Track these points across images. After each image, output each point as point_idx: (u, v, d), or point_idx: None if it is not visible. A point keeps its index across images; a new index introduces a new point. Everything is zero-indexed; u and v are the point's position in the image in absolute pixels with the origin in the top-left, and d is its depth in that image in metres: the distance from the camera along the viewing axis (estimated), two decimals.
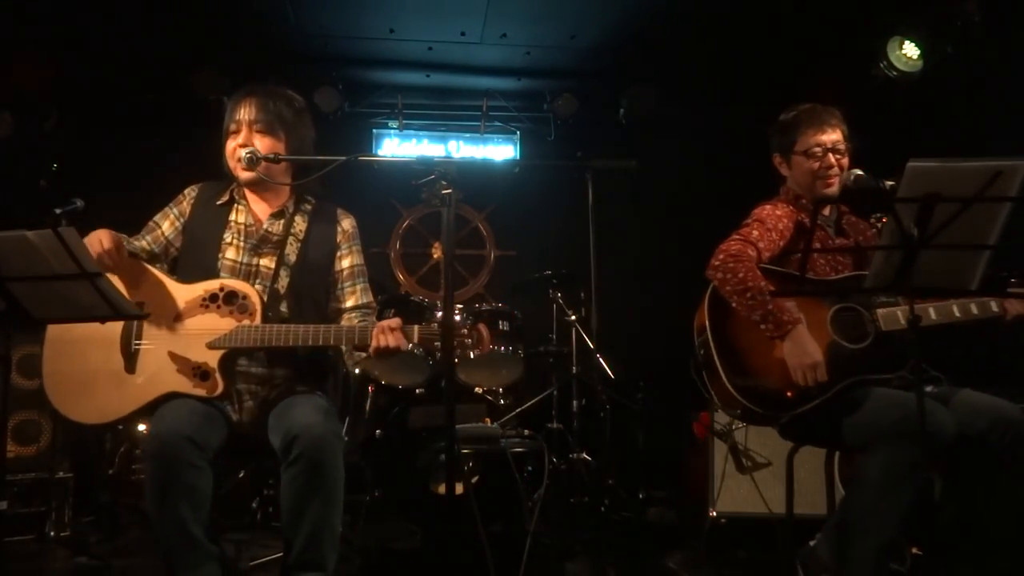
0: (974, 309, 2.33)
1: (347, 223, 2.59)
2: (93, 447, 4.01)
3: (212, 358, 2.25)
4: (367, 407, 3.93)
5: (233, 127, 2.45)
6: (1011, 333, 2.39)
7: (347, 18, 4.64)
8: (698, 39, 4.79)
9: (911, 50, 4.19)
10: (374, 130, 5.61)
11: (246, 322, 2.27)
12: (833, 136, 2.56)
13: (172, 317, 2.30)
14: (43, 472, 3.71)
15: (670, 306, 3.19)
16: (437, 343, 2.26)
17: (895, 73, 4.25)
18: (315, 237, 2.52)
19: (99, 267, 2.06)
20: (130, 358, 2.28)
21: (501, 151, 5.73)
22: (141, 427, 3.94)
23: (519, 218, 5.61)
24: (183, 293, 2.33)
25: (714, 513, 3.57)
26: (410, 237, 5.69)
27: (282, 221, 2.51)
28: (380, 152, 5.54)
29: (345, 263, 2.56)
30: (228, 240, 2.44)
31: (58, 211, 3.42)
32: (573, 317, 4.21)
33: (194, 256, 2.44)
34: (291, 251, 2.48)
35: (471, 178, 5.04)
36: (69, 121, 4.94)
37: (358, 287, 2.56)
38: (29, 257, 1.95)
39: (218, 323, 2.28)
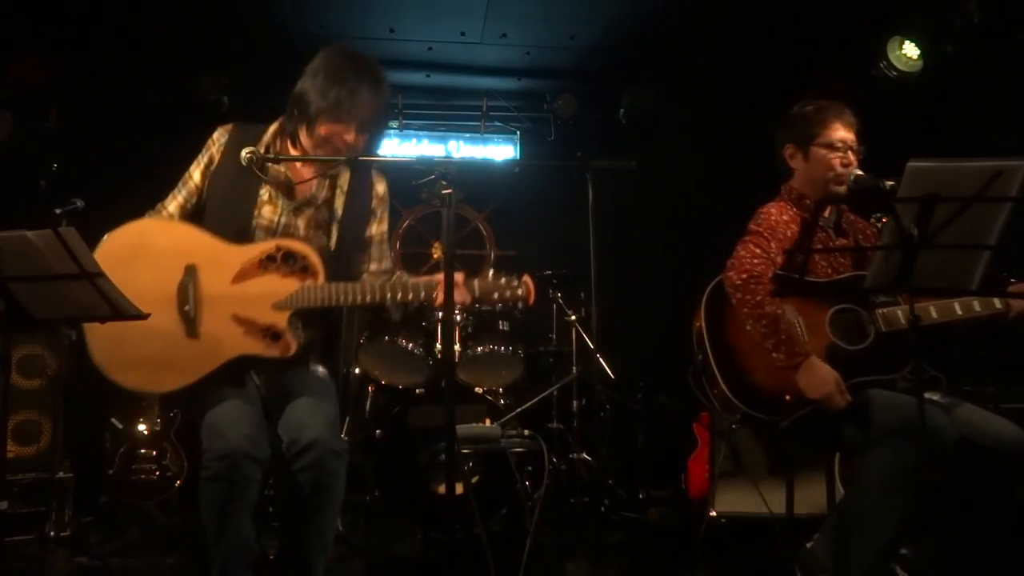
0: (977, 306, 2.32)
1: (381, 187, 2.52)
2: (93, 447, 4.01)
3: (280, 319, 2.19)
4: (367, 407, 3.93)
5: (346, 117, 2.26)
6: (1012, 332, 2.39)
7: (347, 18, 4.63)
8: (698, 39, 4.79)
9: (911, 50, 4.19)
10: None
11: (309, 282, 2.21)
12: (851, 135, 2.53)
13: (230, 280, 2.21)
14: (43, 472, 3.70)
15: (670, 306, 3.20)
16: (495, 295, 2.26)
17: (895, 73, 4.25)
18: (358, 194, 2.44)
19: None
20: (190, 323, 2.18)
21: (501, 151, 5.73)
22: (141, 427, 3.94)
23: (519, 218, 5.61)
24: (238, 255, 2.23)
25: (714, 513, 3.57)
26: (410, 237, 5.69)
27: (328, 182, 2.42)
28: (380, 152, 5.53)
29: (375, 228, 2.51)
30: (264, 197, 2.33)
31: (58, 211, 3.44)
32: (573, 317, 4.21)
33: (226, 210, 2.31)
34: (339, 205, 2.40)
35: (471, 178, 5.03)
36: (69, 121, 4.94)
37: (385, 252, 2.53)
38: (29, 257, 1.95)
39: (280, 284, 2.20)
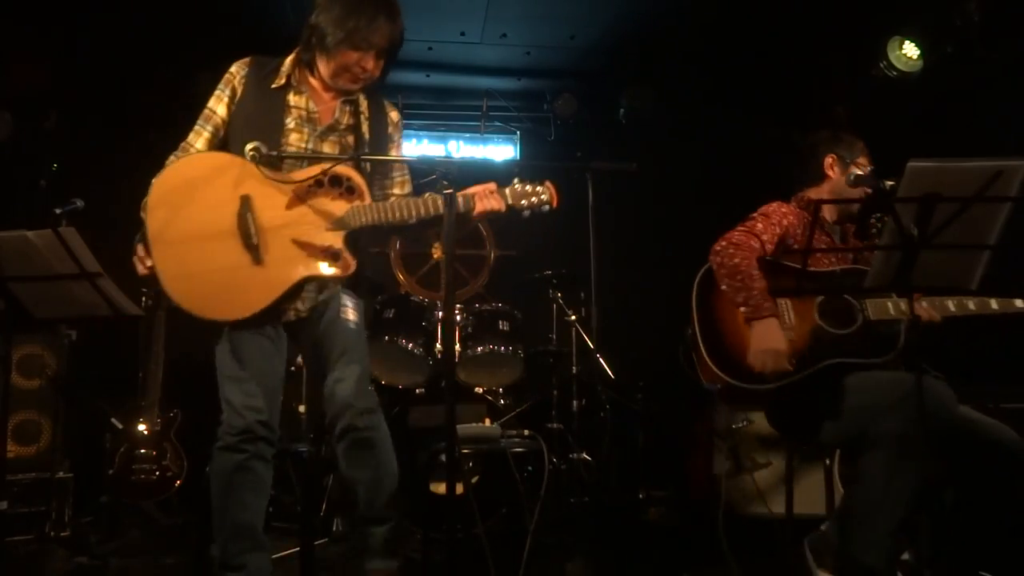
0: (994, 304, 2.35)
1: (395, 114, 2.59)
2: (93, 447, 4.01)
3: (336, 239, 2.28)
4: None
5: (364, 45, 2.32)
6: (1010, 331, 2.40)
7: None
8: (698, 39, 4.79)
9: (911, 50, 4.19)
10: None
11: (358, 203, 2.29)
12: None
13: (283, 206, 2.28)
14: (43, 472, 3.70)
15: (670, 306, 3.19)
16: (524, 201, 2.38)
17: (895, 73, 4.25)
18: (377, 120, 2.52)
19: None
20: (255, 250, 2.24)
21: (501, 151, 5.73)
22: (141, 427, 3.94)
23: (519, 218, 5.59)
24: (286, 180, 2.30)
25: (714, 513, 3.57)
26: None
27: (349, 109, 2.48)
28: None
29: (395, 153, 2.59)
30: (291, 126, 2.38)
31: (58, 211, 3.44)
32: (573, 317, 4.21)
33: (252, 140, 2.30)
34: (365, 129, 2.46)
35: (471, 178, 5.03)
36: (69, 121, 4.94)
37: (406, 177, 2.58)
38: (29, 257, 1.95)
39: (330, 206, 2.29)
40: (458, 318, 3.94)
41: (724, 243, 2.52)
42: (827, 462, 2.82)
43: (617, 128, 5.45)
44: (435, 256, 5.60)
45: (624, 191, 5.19)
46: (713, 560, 3.42)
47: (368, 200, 2.31)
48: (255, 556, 2.28)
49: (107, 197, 4.29)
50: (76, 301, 2.02)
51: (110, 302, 2.10)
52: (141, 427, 3.94)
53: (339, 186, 2.30)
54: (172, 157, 2.42)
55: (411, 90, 5.46)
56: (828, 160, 2.70)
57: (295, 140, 2.38)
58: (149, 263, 2.25)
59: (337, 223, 2.28)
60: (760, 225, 2.56)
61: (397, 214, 2.30)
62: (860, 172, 2.47)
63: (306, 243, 2.27)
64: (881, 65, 4.27)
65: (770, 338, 2.34)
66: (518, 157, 5.71)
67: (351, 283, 2.50)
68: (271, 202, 2.27)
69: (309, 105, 2.42)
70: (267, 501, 2.35)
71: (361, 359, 2.42)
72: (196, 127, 2.45)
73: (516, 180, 2.37)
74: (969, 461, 2.23)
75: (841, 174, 2.64)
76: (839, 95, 4.77)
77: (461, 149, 5.66)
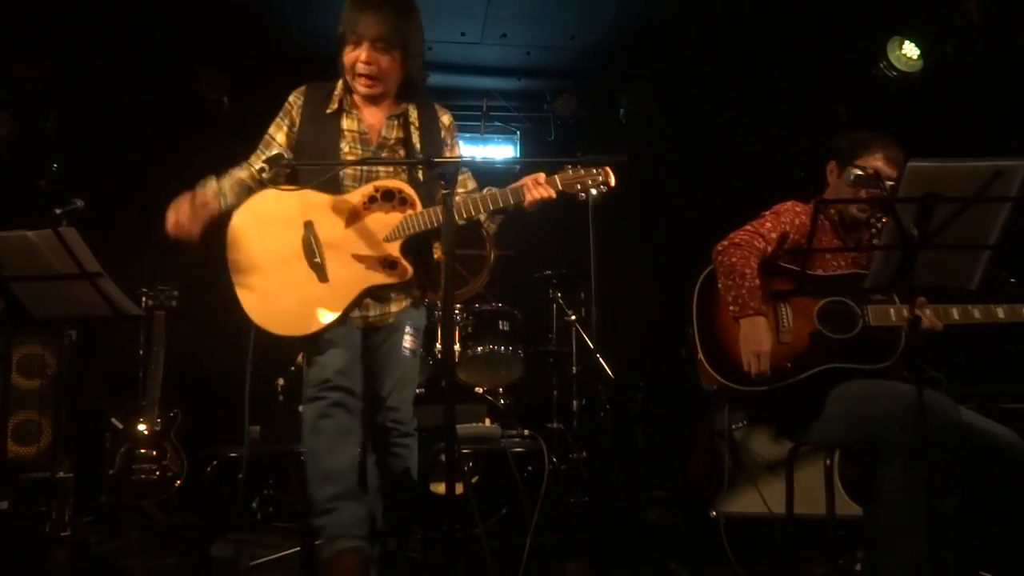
0: (1000, 313, 2.33)
1: (446, 118, 2.67)
2: (93, 447, 4.01)
3: (393, 248, 2.43)
4: None
5: (353, 38, 2.42)
6: (1010, 332, 2.40)
7: None
8: (698, 40, 4.79)
9: (911, 50, 4.19)
10: None
11: (410, 212, 2.42)
12: (890, 170, 2.51)
13: (343, 225, 2.44)
14: (43, 472, 3.70)
15: (670, 306, 3.19)
16: (578, 185, 2.40)
17: (895, 73, 4.25)
18: (428, 127, 2.60)
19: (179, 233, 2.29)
20: (320, 269, 2.42)
21: (501, 151, 5.73)
22: (141, 427, 3.94)
23: (519, 218, 5.59)
24: (344, 202, 2.45)
25: (714, 513, 3.57)
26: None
27: (397, 123, 2.57)
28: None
29: (450, 155, 2.66)
30: (345, 151, 2.50)
31: (58, 211, 3.44)
32: (573, 317, 4.21)
33: (317, 172, 2.48)
34: (416, 140, 2.55)
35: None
36: (69, 121, 4.94)
37: (468, 176, 2.67)
38: (30, 257, 1.95)
39: (386, 219, 2.44)
40: (458, 318, 3.94)
41: (727, 243, 2.51)
42: (827, 462, 2.82)
43: (617, 128, 5.45)
44: (435, 256, 5.60)
45: (624, 191, 5.19)
46: (713, 560, 3.43)
47: (419, 208, 2.43)
48: (347, 504, 2.37)
49: (107, 197, 4.30)
50: (76, 301, 2.02)
51: (110, 302, 2.10)
52: (141, 427, 3.94)
53: (392, 199, 2.44)
54: (236, 173, 2.53)
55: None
56: (829, 166, 2.69)
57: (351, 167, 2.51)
58: (187, 228, 2.36)
59: (391, 233, 2.43)
60: (769, 224, 2.54)
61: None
62: (860, 172, 2.46)
63: (365, 256, 2.43)
64: (881, 65, 4.27)
65: (753, 338, 2.34)
66: (518, 157, 5.71)
67: (425, 282, 2.66)
68: (331, 223, 2.44)
69: (360, 127, 2.53)
70: (357, 451, 2.47)
71: (412, 382, 2.60)
72: (257, 151, 2.56)
73: (569, 167, 2.42)
74: (970, 464, 2.23)
75: (839, 176, 2.61)
76: (839, 95, 4.77)
77: (461, 149, 5.66)
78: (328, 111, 2.52)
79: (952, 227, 1.85)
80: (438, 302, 4.02)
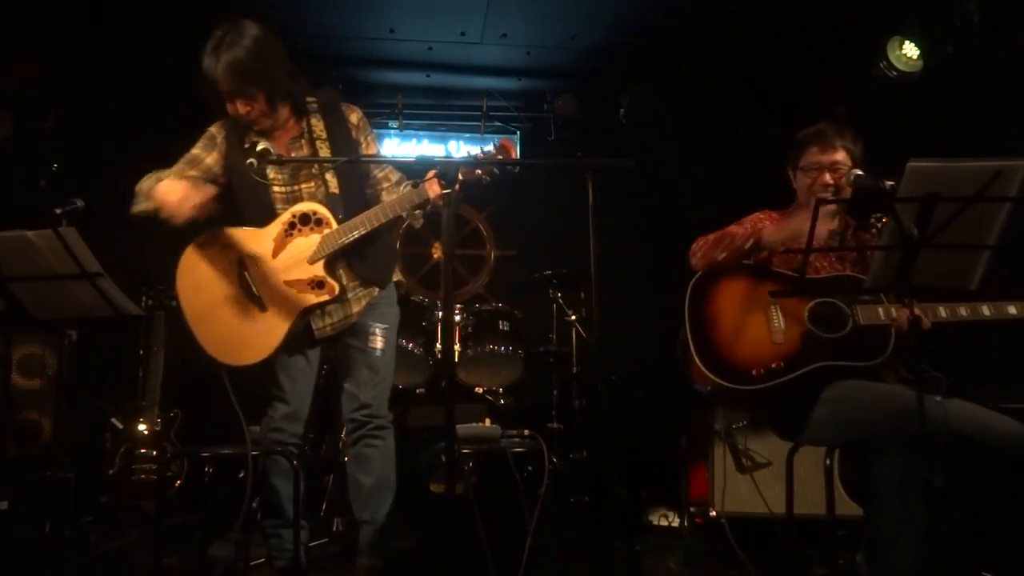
0: (986, 311, 2.33)
1: (354, 116, 2.78)
2: (93, 447, 4.01)
3: (318, 269, 2.58)
4: None
5: (225, 97, 2.56)
6: (1010, 331, 2.40)
7: (347, 18, 4.63)
8: (698, 39, 4.79)
9: (911, 50, 4.19)
10: (374, 130, 5.60)
11: (326, 231, 2.58)
12: (835, 156, 2.59)
13: (270, 256, 2.61)
14: (43, 472, 3.71)
15: (670, 306, 3.20)
16: (478, 172, 2.46)
17: (895, 73, 4.25)
18: (336, 134, 2.72)
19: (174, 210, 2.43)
20: (257, 300, 2.59)
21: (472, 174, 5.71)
22: (141, 427, 3.94)
23: (519, 218, 5.60)
24: (266, 235, 2.62)
25: (714, 513, 3.57)
26: (410, 237, 5.68)
27: (302, 141, 2.70)
28: (380, 151, 5.53)
29: (372, 149, 2.79)
30: (272, 176, 2.65)
31: (58, 211, 3.44)
32: (573, 317, 4.21)
33: (250, 199, 2.66)
34: (323, 150, 2.67)
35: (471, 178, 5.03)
36: (69, 121, 4.94)
37: (389, 168, 2.79)
38: (29, 257, 1.95)
39: (307, 243, 2.60)
40: (458, 318, 3.94)
41: (695, 246, 2.66)
42: (827, 462, 2.82)
43: (617, 128, 5.45)
44: (435, 256, 5.61)
45: (624, 191, 5.20)
46: (713, 560, 3.43)
47: (334, 225, 2.57)
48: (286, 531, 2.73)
49: (107, 197, 4.29)
50: (76, 301, 2.03)
51: (110, 302, 2.10)
52: (141, 427, 3.94)
53: (308, 223, 2.60)
54: (163, 174, 2.66)
55: (411, 90, 5.46)
56: (788, 172, 2.75)
57: (279, 188, 2.66)
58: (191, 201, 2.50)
59: (312, 256, 2.58)
60: (732, 227, 2.64)
61: (363, 228, 2.55)
62: (859, 172, 2.46)
63: (294, 281, 2.59)
64: (881, 65, 4.27)
65: (788, 234, 2.45)
66: (518, 157, 5.70)
67: (380, 275, 2.77)
68: (260, 256, 2.61)
69: (275, 155, 2.61)
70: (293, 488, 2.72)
71: (386, 378, 2.77)
72: (184, 167, 2.67)
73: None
74: (968, 464, 2.23)
75: (796, 181, 2.70)
76: (839, 95, 4.77)
77: (461, 149, 5.66)
78: (246, 146, 2.60)
79: (952, 227, 1.85)
80: (438, 302, 4.03)
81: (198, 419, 4.05)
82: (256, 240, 2.62)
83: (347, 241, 2.56)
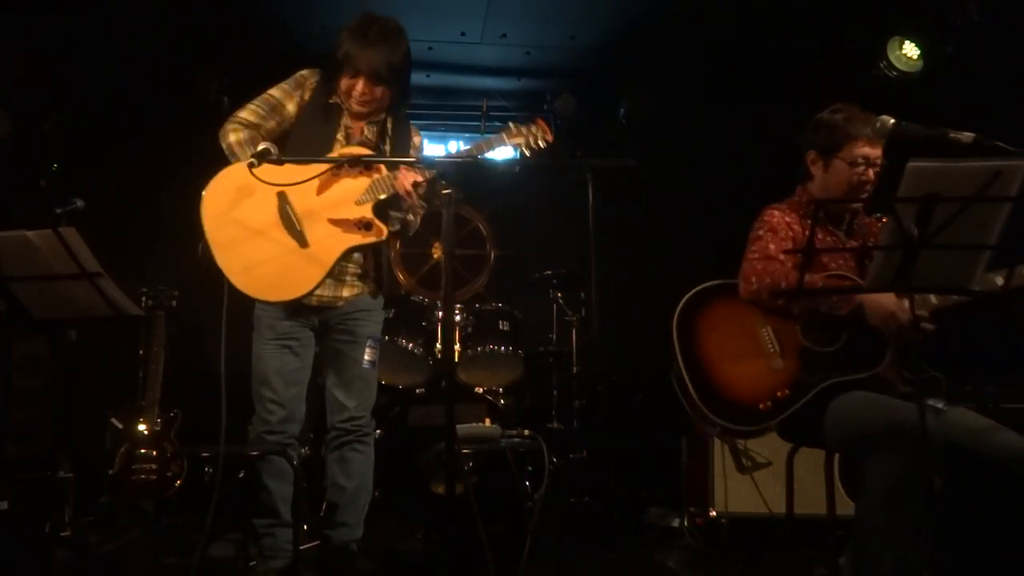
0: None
1: (417, 139, 2.96)
2: (93, 447, 4.01)
3: (366, 211, 2.58)
4: None
5: (350, 71, 2.63)
6: (1009, 326, 2.39)
7: (347, 18, 4.61)
8: (698, 39, 4.78)
9: (911, 50, 4.19)
10: None
11: (376, 176, 2.59)
12: (876, 151, 2.44)
13: (315, 193, 2.58)
14: (43, 472, 3.70)
15: (670, 306, 3.20)
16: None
17: (895, 73, 4.25)
18: (401, 142, 2.86)
19: None
20: (300, 236, 2.54)
21: (501, 151, 5.71)
22: (141, 427, 3.94)
23: (519, 218, 5.60)
24: (310, 172, 2.55)
25: (714, 513, 3.57)
26: (410, 237, 5.68)
27: (376, 128, 2.82)
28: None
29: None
30: (338, 139, 2.72)
31: (58, 211, 3.44)
32: (573, 317, 4.21)
33: (308, 146, 2.67)
34: (387, 149, 2.80)
35: (471, 178, 5.04)
36: (69, 121, 4.94)
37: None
38: (29, 257, 1.95)
39: (355, 184, 2.60)
40: (458, 318, 3.94)
41: (755, 279, 2.36)
42: (827, 462, 2.82)
43: (617, 128, 5.45)
44: (435, 256, 5.60)
45: (624, 191, 5.20)
46: (713, 560, 3.43)
47: (385, 172, 2.58)
48: (281, 530, 2.79)
49: (107, 197, 4.30)
50: (76, 301, 2.02)
51: (110, 302, 2.10)
52: (141, 427, 3.93)
53: (357, 166, 2.59)
54: (230, 129, 2.68)
55: (411, 90, 5.45)
56: (810, 157, 2.55)
57: (338, 148, 2.71)
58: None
59: (363, 197, 2.58)
60: (772, 245, 2.42)
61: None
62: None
63: (341, 220, 2.57)
64: (881, 65, 4.27)
65: (880, 314, 2.22)
66: (518, 157, 5.70)
67: (375, 281, 2.83)
68: (303, 192, 2.55)
69: (347, 121, 2.76)
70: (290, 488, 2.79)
71: (371, 388, 2.86)
72: (255, 108, 2.70)
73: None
74: (966, 469, 2.22)
75: (824, 170, 2.51)
76: (839, 95, 4.76)
77: (461, 149, 5.65)
78: (330, 100, 2.72)
79: (952, 227, 1.85)
80: (438, 302, 4.03)
81: (198, 419, 4.05)
82: (300, 175, 2.54)
83: (392, 192, 2.59)
